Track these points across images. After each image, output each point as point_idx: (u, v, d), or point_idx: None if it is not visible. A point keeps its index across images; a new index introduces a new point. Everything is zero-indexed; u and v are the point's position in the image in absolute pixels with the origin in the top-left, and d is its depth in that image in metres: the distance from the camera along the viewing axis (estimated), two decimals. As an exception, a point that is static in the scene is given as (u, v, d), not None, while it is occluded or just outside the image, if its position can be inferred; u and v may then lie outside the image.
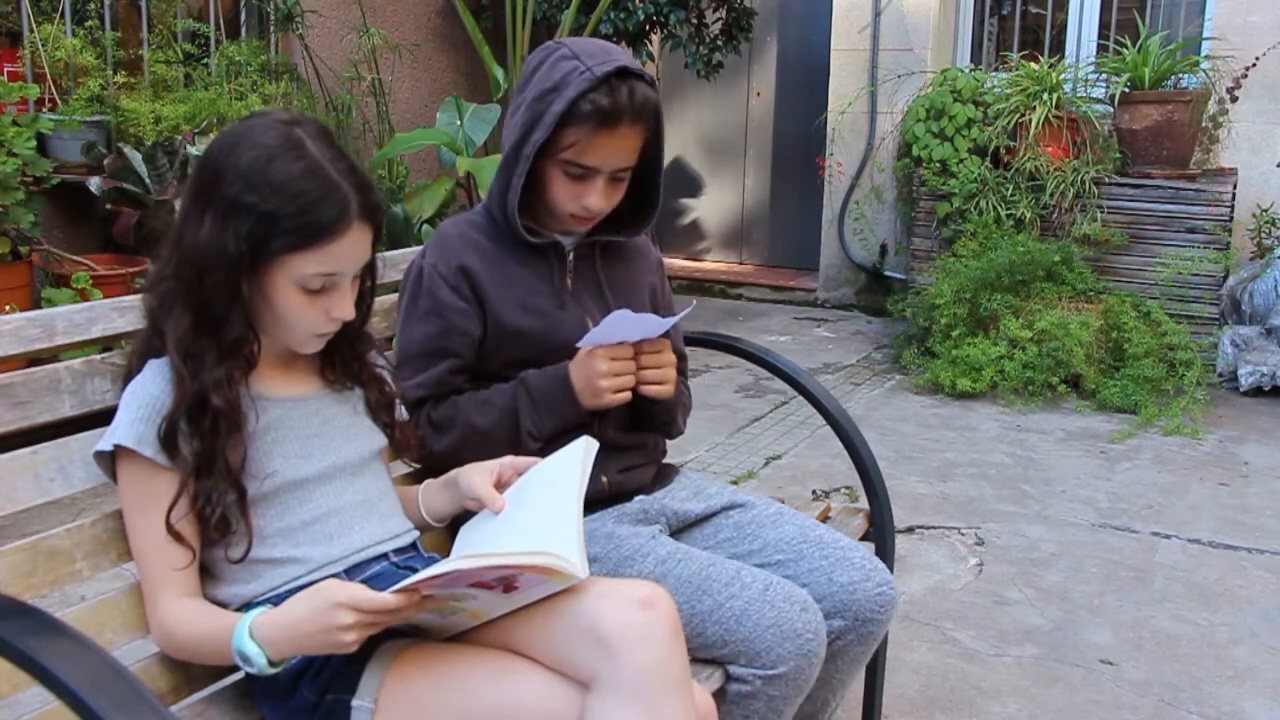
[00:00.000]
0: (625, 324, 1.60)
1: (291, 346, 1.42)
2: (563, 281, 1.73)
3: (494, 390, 1.68)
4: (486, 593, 1.28)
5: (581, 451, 1.42)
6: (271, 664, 1.25)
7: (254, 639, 1.25)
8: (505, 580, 1.26)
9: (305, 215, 1.30)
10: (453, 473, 1.54)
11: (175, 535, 1.31)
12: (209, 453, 1.31)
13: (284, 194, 1.29)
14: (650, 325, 1.62)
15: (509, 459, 1.51)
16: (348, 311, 1.39)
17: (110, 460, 1.35)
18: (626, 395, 1.65)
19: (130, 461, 1.32)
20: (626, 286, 1.80)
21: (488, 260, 1.69)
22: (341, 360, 1.48)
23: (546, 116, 1.57)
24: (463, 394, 1.69)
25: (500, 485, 1.48)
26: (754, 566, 1.68)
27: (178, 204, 1.37)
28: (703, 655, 1.56)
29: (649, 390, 1.67)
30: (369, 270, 1.44)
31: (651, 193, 1.76)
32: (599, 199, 1.65)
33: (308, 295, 1.35)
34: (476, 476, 1.48)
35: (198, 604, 1.34)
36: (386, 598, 1.22)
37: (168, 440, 1.30)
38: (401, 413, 1.57)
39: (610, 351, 1.62)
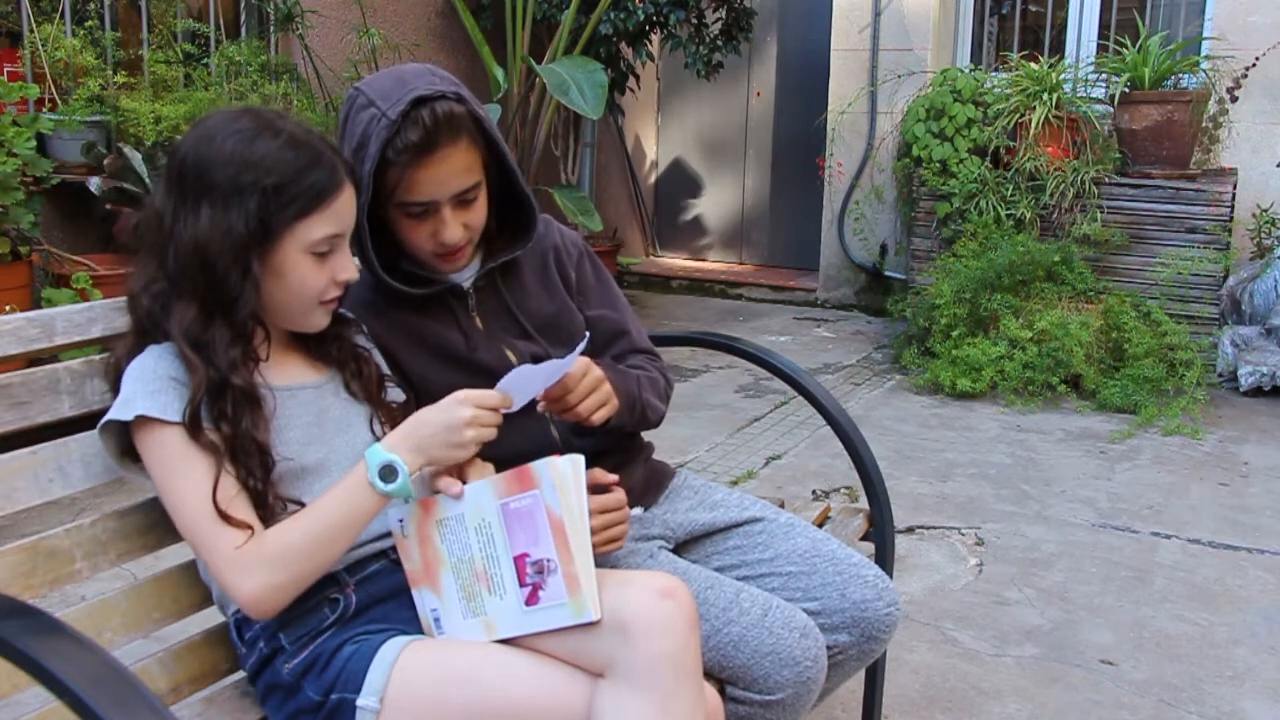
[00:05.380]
0: (528, 378, 1.45)
1: (298, 325, 1.42)
2: (470, 324, 1.64)
3: None
4: (515, 590, 1.30)
5: (571, 476, 1.30)
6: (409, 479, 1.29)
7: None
8: (540, 572, 1.29)
9: (304, 180, 1.33)
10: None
11: (228, 512, 1.28)
12: (239, 435, 1.31)
13: (280, 167, 1.32)
14: (548, 371, 1.46)
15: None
16: (353, 272, 1.41)
17: (120, 437, 1.33)
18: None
19: (154, 431, 1.29)
20: (539, 294, 1.71)
21: (384, 318, 1.60)
22: (319, 341, 1.47)
23: (364, 177, 1.48)
24: None
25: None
26: (762, 579, 1.67)
27: (159, 209, 1.35)
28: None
29: (592, 421, 1.54)
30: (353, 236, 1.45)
31: (520, 199, 1.64)
32: (452, 230, 1.53)
33: (316, 261, 1.37)
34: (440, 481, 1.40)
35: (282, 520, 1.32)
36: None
37: (192, 425, 1.29)
38: (392, 394, 1.53)
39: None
